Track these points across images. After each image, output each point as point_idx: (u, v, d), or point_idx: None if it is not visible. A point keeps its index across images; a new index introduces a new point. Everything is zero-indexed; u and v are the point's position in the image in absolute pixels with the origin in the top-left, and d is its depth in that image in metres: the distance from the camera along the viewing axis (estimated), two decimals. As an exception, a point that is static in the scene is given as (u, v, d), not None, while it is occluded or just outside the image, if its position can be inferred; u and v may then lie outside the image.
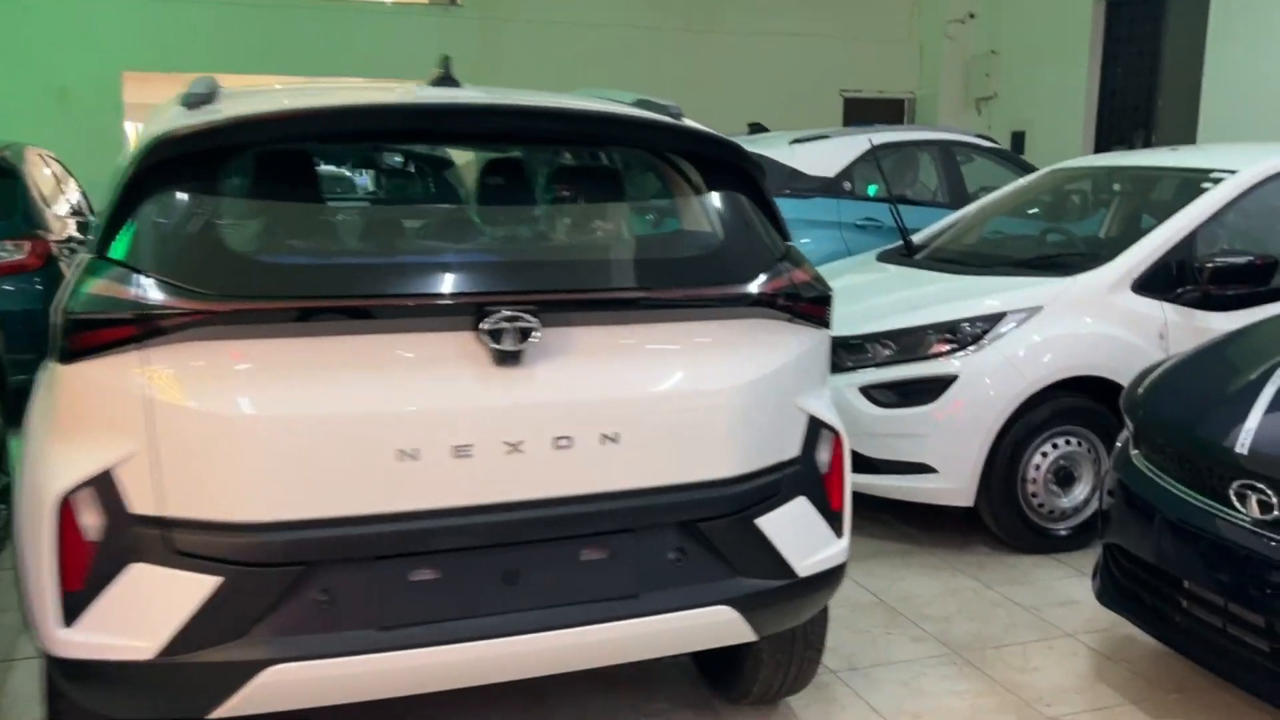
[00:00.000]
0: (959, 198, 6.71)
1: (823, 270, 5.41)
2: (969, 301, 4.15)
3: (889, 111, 12.52)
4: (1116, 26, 10.32)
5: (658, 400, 2.19)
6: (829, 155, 6.41)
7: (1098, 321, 4.08)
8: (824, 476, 2.43)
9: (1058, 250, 4.73)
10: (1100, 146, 10.53)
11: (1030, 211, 5.35)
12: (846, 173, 6.39)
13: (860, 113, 12.25)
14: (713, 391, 2.22)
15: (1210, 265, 4.06)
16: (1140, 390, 3.00)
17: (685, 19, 11.67)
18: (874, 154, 6.14)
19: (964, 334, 4.05)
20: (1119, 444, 3.11)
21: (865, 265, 5.14)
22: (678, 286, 2.26)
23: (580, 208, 2.77)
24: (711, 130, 2.47)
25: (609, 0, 11.38)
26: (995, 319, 4.05)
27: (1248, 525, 2.50)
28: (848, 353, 4.19)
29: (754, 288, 2.31)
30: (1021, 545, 4.11)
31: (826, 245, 6.26)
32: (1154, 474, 2.82)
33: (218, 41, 10.31)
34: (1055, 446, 4.08)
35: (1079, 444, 4.11)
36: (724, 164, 2.45)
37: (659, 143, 2.49)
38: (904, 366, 4.08)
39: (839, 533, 2.48)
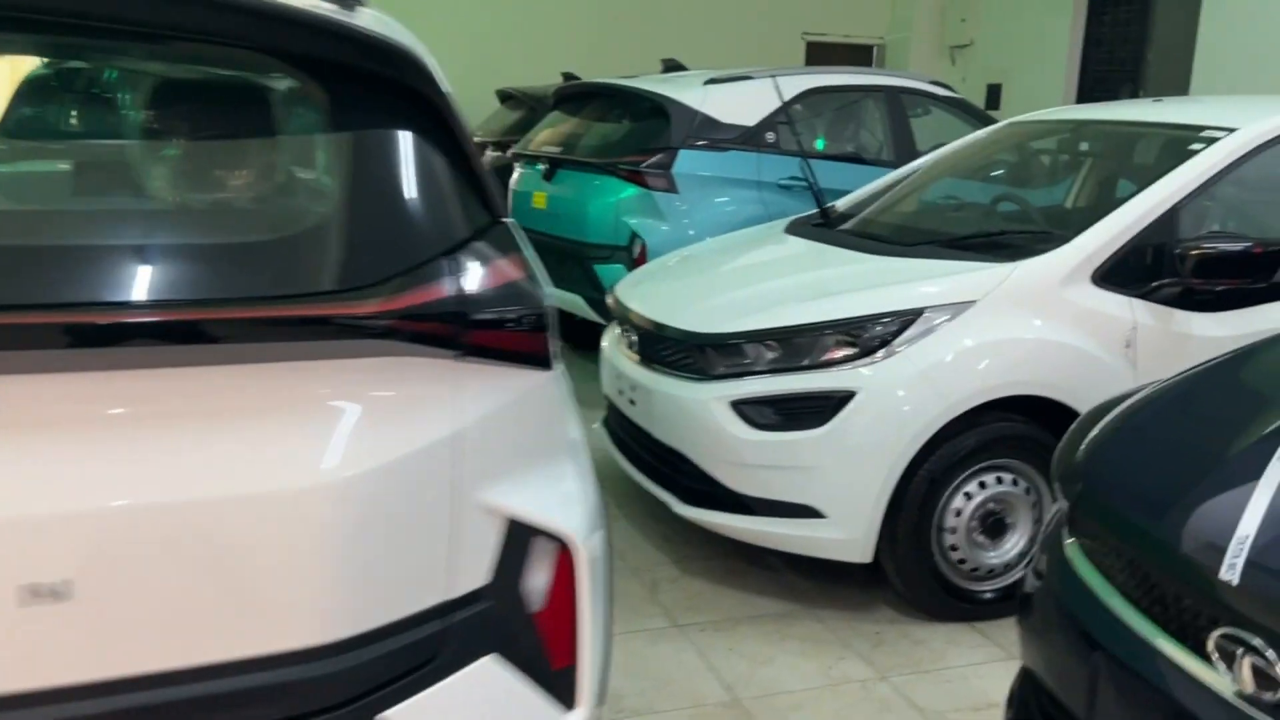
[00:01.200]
0: (906, 156, 5.68)
1: (712, 243, 4.47)
2: (880, 292, 3.15)
3: (856, 58, 11.43)
4: (1105, -32, 9.24)
5: (167, 516, 1.19)
6: (751, 100, 5.37)
7: (1046, 323, 3.09)
8: (536, 617, 1.45)
9: (1004, 226, 3.73)
10: (1082, 102, 9.49)
11: (979, 177, 4.34)
12: (769, 121, 5.35)
13: (824, 58, 11.16)
14: (277, 497, 1.22)
15: (1196, 252, 3.06)
16: (1082, 451, 2.01)
17: (631, -53, 10.52)
18: (782, 100, 5.12)
19: (869, 336, 3.06)
20: (1050, 518, 2.14)
21: (766, 238, 4.14)
22: (221, 301, 1.23)
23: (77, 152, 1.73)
24: (356, 26, 1.41)
25: (544, -77, 10.20)
26: (911, 317, 3.06)
27: (1230, 698, 1.54)
28: (719, 356, 3.20)
29: (378, 302, 1.29)
30: (936, 611, 3.16)
31: (744, 208, 5.26)
32: (1096, 582, 1.86)
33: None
34: (983, 486, 3.12)
35: (1015, 482, 3.16)
36: (374, 83, 1.41)
37: (256, 37, 1.41)
38: (788, 377, 3.09)
39: (568, 702, 1.50)
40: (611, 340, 3.80)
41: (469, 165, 1.46)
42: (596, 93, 5.89)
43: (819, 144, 5.98)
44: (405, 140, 1.40)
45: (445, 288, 1.33)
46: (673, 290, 3.74)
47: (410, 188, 1.38)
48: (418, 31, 1.64)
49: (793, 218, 4.29)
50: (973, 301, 3.07)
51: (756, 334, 3.15)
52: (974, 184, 4.32)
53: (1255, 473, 1.70)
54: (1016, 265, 3.14)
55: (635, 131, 5.43)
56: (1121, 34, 9.13)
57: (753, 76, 5.46)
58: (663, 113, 5.23)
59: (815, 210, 4.20)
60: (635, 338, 3.56)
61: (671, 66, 6.01)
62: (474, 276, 1.38)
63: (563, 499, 1.49)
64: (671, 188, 5.13)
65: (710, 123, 5.24)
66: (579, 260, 5.40)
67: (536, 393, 1.47)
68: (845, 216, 4.21)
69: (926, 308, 3.06)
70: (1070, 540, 1.98)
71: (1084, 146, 4.07)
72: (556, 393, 1.52)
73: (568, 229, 5.49)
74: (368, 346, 1.28)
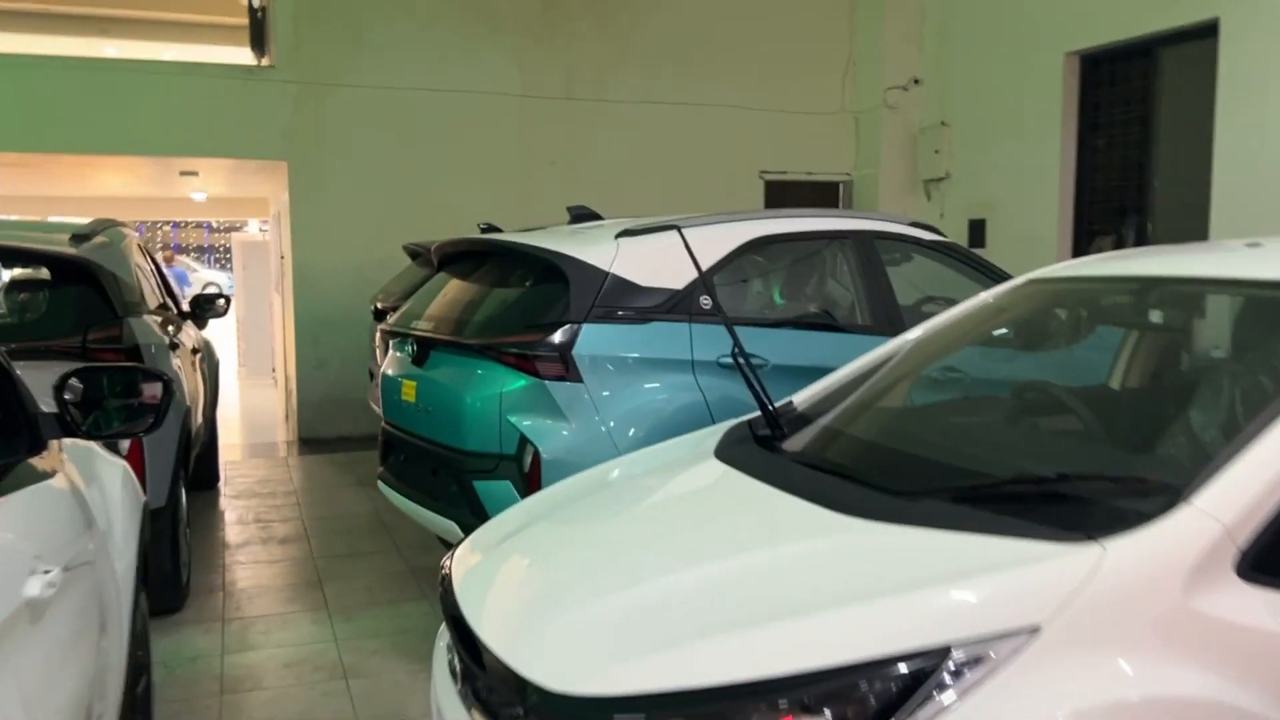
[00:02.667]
0: (884, 318, 4.38)
1: (613, 472, 2.47)
2: (867, 613, 1.74)
3: (820, 196, 10.35)
4: (1095, 89, 8.22)
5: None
6: (676, 256, 4.07)
7: (1169, 666, 1.68)
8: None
9: (1052, 455, 2.34)
10: (1079, 238, 8.35)
11: (997, 365, 3.00)
12: (704, 279, 4.05)
13: (785, 198, 10.07)
14: None
15: None
16: None
17: (564, 85, 9.49)
18: (720, 255, 3.83)
19: (849, 708, 1.63)
20: None
21: (688, 462, 2.75)
22: None
23: None
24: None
25: (466, 62, 9.17)
26: (925, 667, 1.64)
27: None
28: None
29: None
30: None
31: (675, 397, 3.91)
32: None
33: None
34: None
35: None
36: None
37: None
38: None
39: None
40: (441, 666, 2.34)
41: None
42: (487, 251, 4.59)
43: (776, 300, 4.69)
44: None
45: None
46: (534, 576, 2.33)
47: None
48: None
49: (728, 426, 2.91)
50: (1033, 630, 1.66)
51: (647, 700, 1.71)
52: (990, 374, 2.98)
53: None
54: (1103, 548, 1.75)
55: (527, 302, 4.11)
56: (1119, 158, 8.05)
57: (678, 225, 4.17)
58: (560, 276, 3.92)
59: (757, 413, 2.83)
60: (465, 664, 2.12)
61: (582, 216, 4.74)
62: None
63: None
64: (572, 375, 3.77)
65: (624, 286, 3.92)
66: (455, 473, 4.00)
67: None
68: (803, 421, 2.84)
69: (951, 646, 1.65)
70: None
71: (1156, 317, 2.73)
72: None
73: (441, 430, 4.11)
74: None
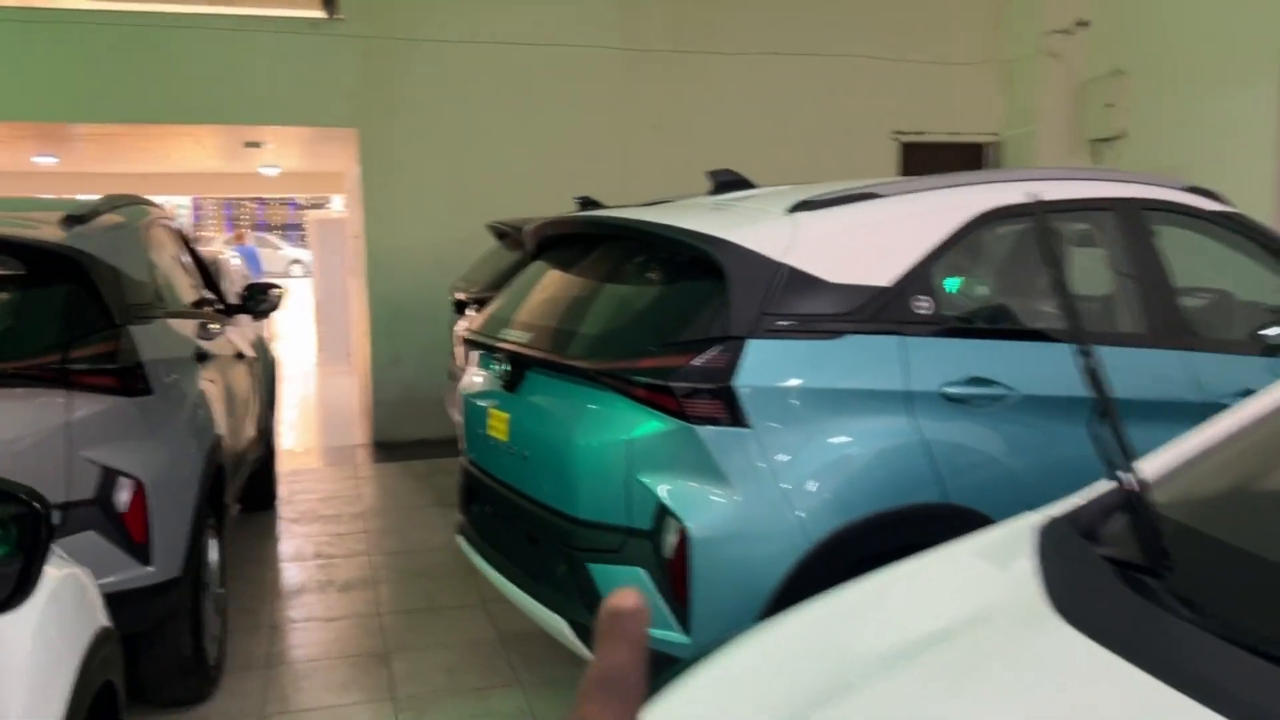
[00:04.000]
0: (1162, 324, 3.08)
1: (840, 615, 1.23)
2: None
3: (964, 159, 8.93)
4: (1327, 21, 6.66)
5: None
6: (882, 235, 2.84)
7: None
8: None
9: None
10: (1303, 205, 6.82)
11: None
12: (922, 274, 2.80)
13: (923, 163, 8.69)
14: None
15: None
16: None
17: (671, 36, 8.24)
18: (946, 232, 2.59)
19: None
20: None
21: (991, 623, 1.52)
22: None
23: None
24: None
25: (558, 10, 7.97)
26: None
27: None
28: None
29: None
30: None
31: (886, 450, 2.68)
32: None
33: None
34: None
35: None
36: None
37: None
38: None
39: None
40: None
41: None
42: (600, 235, 3.38)
43: (1018, 302, 3.41)
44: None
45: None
46: None
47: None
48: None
49: (1033, 525, 1.69)
50: None
51: None
52: None
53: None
54: None
55: (662, 307, 2.90)
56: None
57: (879, 194, 2.92)
58: (711, 270, 2.70)
59: (1114, 487, 1.60)
60: None
61: (730, 184, 3.51)
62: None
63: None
64: (733, 416, 2.56)
65: (805, 284, 2.69)
66: (562, 549, 2.84)
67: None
68: (1190, 538, 1.61)
69: None
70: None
71: None
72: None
73: (543, 486, 2.94)
74: None
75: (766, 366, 2.59)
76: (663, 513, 2.57)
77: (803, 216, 2.81)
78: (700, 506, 2.55)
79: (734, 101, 8.36)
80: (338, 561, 5.19)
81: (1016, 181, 3.10)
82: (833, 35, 8.51)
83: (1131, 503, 1.54)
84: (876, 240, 2.82)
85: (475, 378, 3.55)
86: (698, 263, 2.78)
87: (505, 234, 6.32)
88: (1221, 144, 7.21)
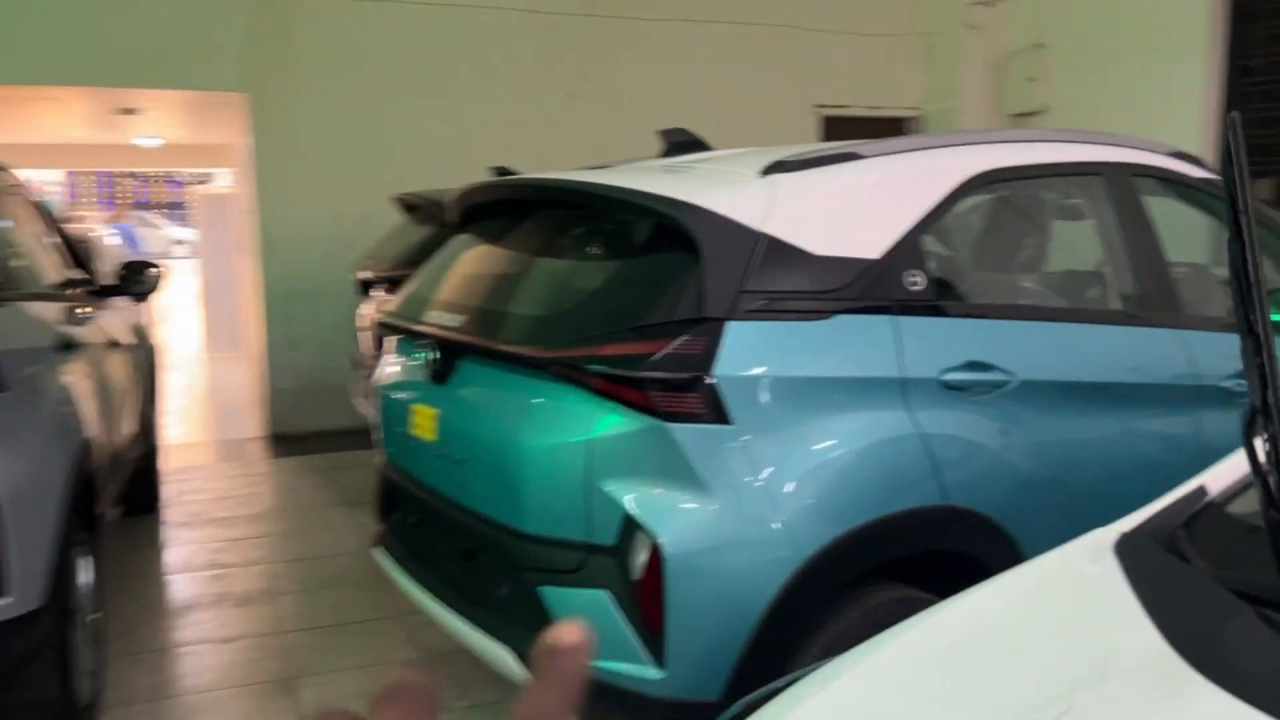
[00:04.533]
0: (1155, 302, 2.83)
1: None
2: None
3: (885, 134, 8.71)
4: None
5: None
6: (868, 201, 2.49)
7: None
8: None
9: None
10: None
11: None
12: (913, 242, 2.46)
13: (844, 137, 8.43)
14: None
15: None
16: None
17: (585, 0, 7.79)
18: (940, 194, 2.27)
19: None
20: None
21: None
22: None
23: None
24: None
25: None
26: None
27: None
28: None
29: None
30: None
31: (880, 446, 2.34)
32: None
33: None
34: None
35: None
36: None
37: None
38: None
39: None
40: None
41: None
42: (539, 202, 2.95)
43: (1016, 275, 3.12)
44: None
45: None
46: None
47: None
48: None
49: (1115, 538, 1.36)
50: None
51: None
52: None
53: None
54: None
55: (622, 284, 2.49)
56: (1286, 84, 6.48)
57: (861, 154, 2.58)
58: (678, 240, 2.31)
59: (1187, 496, 1.29)
60: None
61: (685, 144, 3.12)
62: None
63: None
64: (712, 411, 2.19)
65: (788, 256, 2.33)
66: (507, 568, 2.44)
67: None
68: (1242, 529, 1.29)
69: None
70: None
71: None
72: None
73: (482, 495, 2.53)
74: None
75: (748, 352, 2.22)
76: (630, 526, 2.19)
77: (780, 179, 2.44)
78: (675, 518, 2.17)
79: (653, 70, 7.97)
80: (233, 572, 4.66)
81: (1006, 143, 2.80)
82: (755, 3, 8.19)
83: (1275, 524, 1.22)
84: (862, 207, 2.48)
85: (394, 367, 3.10)
86: (662, 232, 2.39)
87: (415, 207, 5.82)
88: (1147, 118, 7.13)
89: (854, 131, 8.55)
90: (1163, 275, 2.89)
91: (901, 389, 2.35)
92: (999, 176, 2.67)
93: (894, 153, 2.60)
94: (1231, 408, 2.90)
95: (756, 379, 2.22)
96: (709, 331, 2.21)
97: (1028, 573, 1.55)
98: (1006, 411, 2.49)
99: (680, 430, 2.17)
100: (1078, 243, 2.98)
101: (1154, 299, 2.85)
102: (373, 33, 7.23)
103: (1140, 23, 7.14)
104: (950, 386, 2.41)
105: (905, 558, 2.38)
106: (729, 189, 2.41)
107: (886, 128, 8.80)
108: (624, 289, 2.41)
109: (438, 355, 2.70)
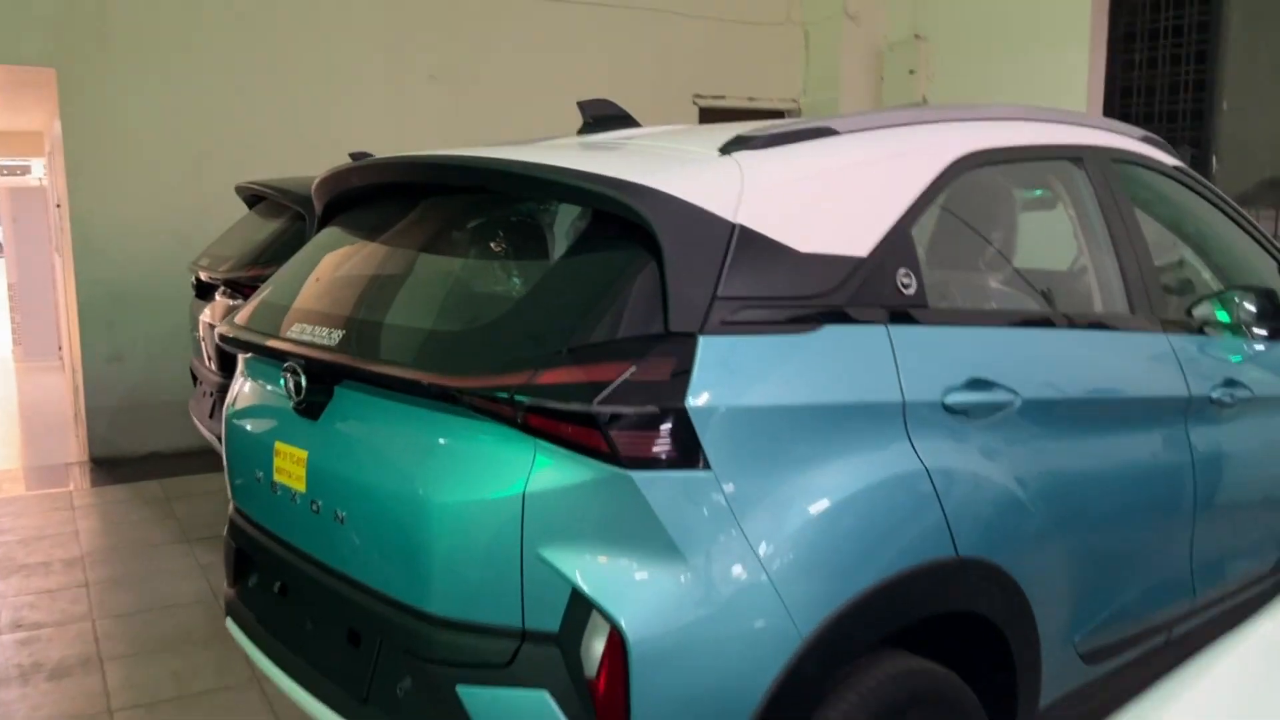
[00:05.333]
0: (1144, 303, 2.51)
1: None
2: None
3: (765, 128, 8.41)
4: (1133, -13, 6.57)
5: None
6: (854, 185, 2.04)
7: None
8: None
9: None
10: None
11: None
12: (902, 235, 2.03)
13: (724, 129, 8.08)
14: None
15: None
16: None
17: (448, -26, 7.17)
18: (931, 176, 1.84)
19: None
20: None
21: None
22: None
23: None
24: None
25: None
26: None
27: None
28: None
29: None
30: None
31: (882, 488, 1.88)
32: None
33: None
34: None
35: None
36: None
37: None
38: None
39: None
40: None
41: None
42: (430, 186, 2.36)
43: (1011, 274, 2.72)
44: None
45: None
46: None
47: None
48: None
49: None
50: None
51: None
52: None
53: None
54: None
55: (555, 289, 1.95)
56: (1169, 77, 6.44)
57: (836, 129, 2.12)
58: (628, 232, 1.80)
59: None
60: None
61: (609, 118, 2.63)
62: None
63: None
64: (687, 455, 1.69)
65: (766, 252, 1.85)
66: (408, 661, 1.87)
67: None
68: None
69: None
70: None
71: None
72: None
73: (370, 564, 1.95)
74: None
75: (727, 375, 1.73)
76: (580, 605, 1.67)
77: (745, 158, 1.96)
78: (639, 593, 1.66)
79: (522, 53, 7.41)
80: (47, 633, 3.89)
81: (988, 120, 2.40)
82: (627, -16, 7.73)
83: None
84: (845, 193, 2.02)
85: (245, 393, 2.48)
86: (603, 223, 1.87)
87: (261, 198, 5.10)
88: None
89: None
90: (1149, 273, 2.56)
91: (903, 415, 1.91)
92: (992, 158, 2.27)
93: (873, 128, 2.16)
94: (1220, 422, 2.60)
95: (738, 411, 1.73)
96: (677, 350, 1.71)
97: (1235, 661, 1.12)
98: (1010, 438, 2.09)
99: (645, 479, 1.66)
100: (1065, 235, 2.62)
101: (1143, 300, 2.51)
102: (205, 1, 6.41)
103: (1021, 11, 7.03)
104: (952, 410, 1.99)
105: (916, 629, 1.94)
106: (688, 168, 1.92)
107: (764, 119, 8.49)
108: (556, 297, 1.88)
109: (304, 380, 2.11)
